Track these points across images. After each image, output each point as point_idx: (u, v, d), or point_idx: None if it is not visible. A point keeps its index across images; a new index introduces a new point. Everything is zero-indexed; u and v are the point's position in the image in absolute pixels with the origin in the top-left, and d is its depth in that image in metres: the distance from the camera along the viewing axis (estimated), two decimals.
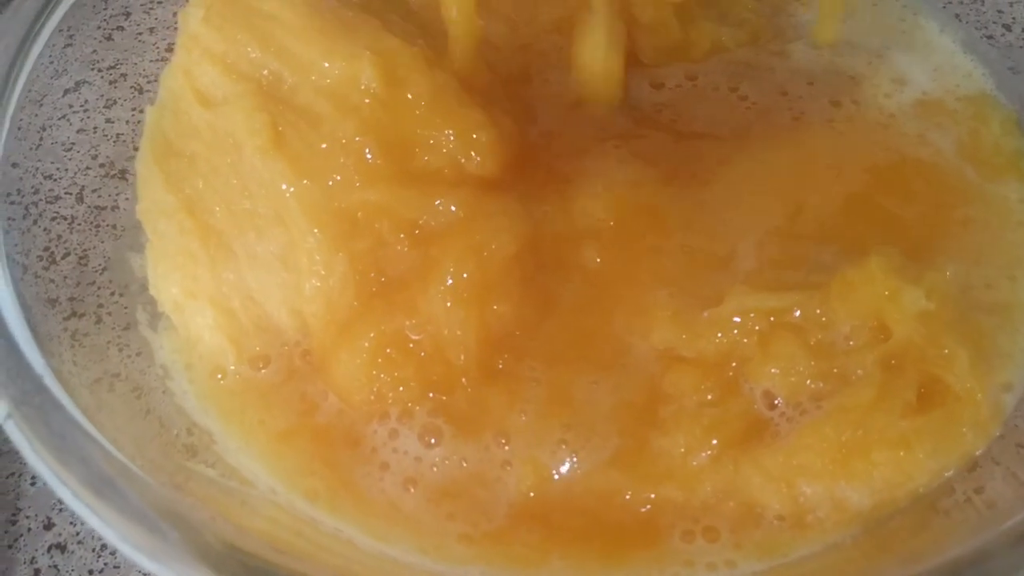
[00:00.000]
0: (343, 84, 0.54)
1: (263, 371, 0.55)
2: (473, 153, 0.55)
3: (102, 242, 0.62)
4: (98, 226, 0.63)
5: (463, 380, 0.54)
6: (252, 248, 0.55)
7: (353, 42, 0.54)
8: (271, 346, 0.56)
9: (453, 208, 0.55)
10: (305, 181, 0.53)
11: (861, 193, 0.62)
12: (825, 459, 0.49)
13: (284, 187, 0.53)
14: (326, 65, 0.54)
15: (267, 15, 0.54)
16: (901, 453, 0.49)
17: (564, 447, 0.52)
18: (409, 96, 0.54)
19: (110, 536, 0.41)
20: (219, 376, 0.56)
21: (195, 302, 0.55)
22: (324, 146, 0.53)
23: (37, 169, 0.66)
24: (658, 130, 0.66)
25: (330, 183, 0.53)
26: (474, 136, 0.55)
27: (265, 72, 0.54)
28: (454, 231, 0.55)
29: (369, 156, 0.53)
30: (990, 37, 0.70)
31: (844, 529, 0.49)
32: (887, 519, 0.49)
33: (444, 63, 0.57)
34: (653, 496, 0.51)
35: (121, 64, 0.72)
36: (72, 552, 0.57)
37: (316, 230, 0.53)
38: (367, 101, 0.54)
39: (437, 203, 0.55)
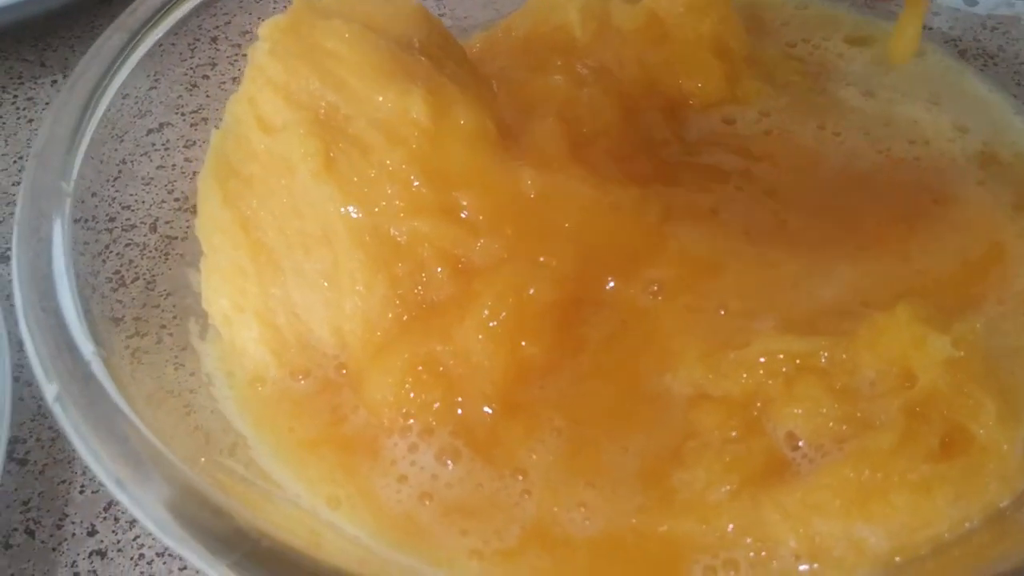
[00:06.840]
0: (394, 116, 0.57)
1: (301, 382, 0.57)
2: None
3: (170, 269, 0.66)
4: (167, 254, 0.67)
5: (485, 409, 0.55)
6: (299, 266, 0.57)
7: (406, 79, 0.57)
8: (311, 359, 0.58)
9: (497, 248, 0.57)
10: (352, 205, 0.56)
11: (935, 244, 0.62)
12: (843, 499, 0.49)
13: (332, 209, 0.56)
14: (379, 99, 0.57)
15: (328, 51, 0.58)
16: (921, 498, 0.48)
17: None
18: (455, 134, 0.57)
19: (138, 513, 0.43)
20: (258, 386, 0.58)
21: (242, 316, 0.58)
22: (372, 173, 0.56)
23: (114, 199, 0.71)
24: (752, 164, 0.66)
25: (376, 209, 0.56)
26: None
27: (322, 103, 0.58)
28: (497, 268, 0.57)
29: (415, 185, 0.56)
30: None
31: (862, 570, 0.48)
32: (907, 564, 0.48)
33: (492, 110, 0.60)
34: (670, 528, 0.51)
35: (203, 109, 0.76)
36: (111, 559, 0.59)
37: (359, 251, 0.56)
38: (416, 134, 0.56)
39: (480, 243, 0.57)
